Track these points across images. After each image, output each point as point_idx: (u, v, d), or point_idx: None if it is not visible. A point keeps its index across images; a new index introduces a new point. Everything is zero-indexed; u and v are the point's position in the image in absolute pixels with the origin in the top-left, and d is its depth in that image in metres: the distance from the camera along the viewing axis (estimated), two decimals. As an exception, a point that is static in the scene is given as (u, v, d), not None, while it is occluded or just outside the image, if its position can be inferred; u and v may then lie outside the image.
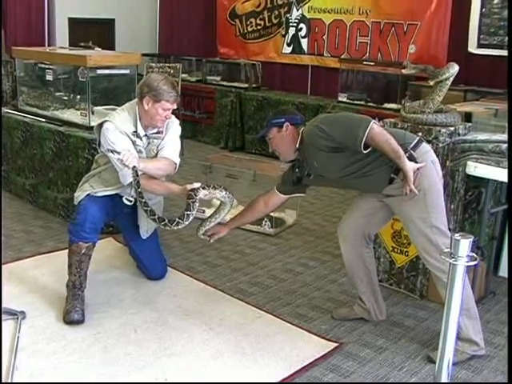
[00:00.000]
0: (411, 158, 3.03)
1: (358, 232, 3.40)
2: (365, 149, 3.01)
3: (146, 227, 3.85)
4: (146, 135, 3.62)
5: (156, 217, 3.34)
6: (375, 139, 2.99)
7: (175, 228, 3.35)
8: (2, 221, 4.68)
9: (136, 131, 3.58)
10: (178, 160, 3.67)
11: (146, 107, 3.51)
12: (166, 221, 3.33)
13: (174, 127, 3.73)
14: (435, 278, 3.18)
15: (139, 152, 3.59)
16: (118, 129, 3.52)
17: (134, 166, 3.28)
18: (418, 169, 3.02)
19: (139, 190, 3.32)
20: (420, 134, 3.48)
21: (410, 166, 2.99)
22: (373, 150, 3.05)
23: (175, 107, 3.58)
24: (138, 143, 3.59)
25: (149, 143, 3.64)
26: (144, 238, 3.87)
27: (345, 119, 3.20)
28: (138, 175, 3.31)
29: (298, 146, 3.29)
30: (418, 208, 3.08)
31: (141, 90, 3.54)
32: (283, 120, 3.34)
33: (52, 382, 2.88)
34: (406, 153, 3.02)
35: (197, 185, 3.42)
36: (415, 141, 3.13)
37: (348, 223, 3.44)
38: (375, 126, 2.99)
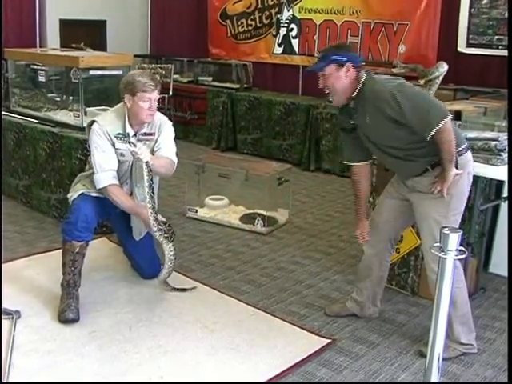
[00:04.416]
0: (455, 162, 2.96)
1: (385, 237, 3.37)
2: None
3: (139, 229, 3.87)
4: (135, 135, 3.62)
5: (157, 216, 3.49)
6: (442, 135, 2.86)
7: (157, 238, 3.57)
8: (2, 221, 4.72)
9: (122, 133, 3.59)
10: (176, 159, 3.69)
11: (128, 105, 3.54)
12: (162, 232, 3.56)
13: (167, 127, 3.73)
14: (429, 280, 3.17)
15: (121, 155, 3.62)
16: (101, 130, 3.57)
17: (147, 162, 3.34)
18: (456, 174, 2.95)
19: (152, 184, 3.41)
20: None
21: (453, 171, 2.91)
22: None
23: (156, 96, 3.55)
24: (118, 146, 3.59)
25: None
26: (137, 239, 3.89)
27: (423, 101, 2.93)
28: (151, 170, 3.37)
29: (355, 94, 3.06)
30: (439, 210, 3.01)
31: (120, 90, 3.57)
32: (345, 59, 3.01)
33: (52, 382, 2.90)
34: None
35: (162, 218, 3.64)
36: (464, 146, 3.04)
37: (375, 229, 3.39)
38: (449, 122, 2.86)
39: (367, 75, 3.06)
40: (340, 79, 3.02)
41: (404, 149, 3.04)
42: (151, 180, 3.39)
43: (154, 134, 3.67)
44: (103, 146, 3.57)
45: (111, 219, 4.04)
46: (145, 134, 3.65)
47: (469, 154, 3.09)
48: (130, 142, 3.45)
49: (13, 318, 3.39)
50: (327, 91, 3.10)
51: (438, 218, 3.02)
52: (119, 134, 3.59)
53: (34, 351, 3.12)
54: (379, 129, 3.05)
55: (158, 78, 3.69)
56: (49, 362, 3.04)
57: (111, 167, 3.58)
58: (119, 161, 3.63)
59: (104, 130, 3.57)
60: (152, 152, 3.65)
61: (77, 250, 3.51)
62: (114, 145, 3.58)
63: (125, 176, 3.72)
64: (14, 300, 3.57)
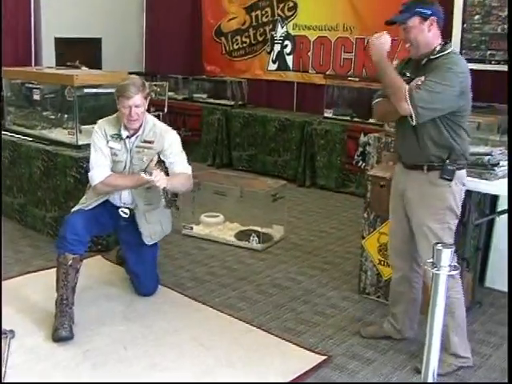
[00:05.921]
0: (450, 171, 2.98)
1: (407, 258, 3.31)
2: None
3: (149, 232, 3.87)
4: (128, 137, 3.71)
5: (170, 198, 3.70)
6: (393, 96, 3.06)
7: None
8: (2, 236, 4.71)
9: (117, 133, 3.72)
10: (190, 171, 3.82)
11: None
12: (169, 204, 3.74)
13: (171, 138, 3.77)
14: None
15: (114, 155, 3.73)
16: (100, 129, 3.74)
17: (165, 187, 3.50)
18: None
19: (168, 195, 3.66)
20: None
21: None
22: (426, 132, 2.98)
23: (137, 103, 3.58)
24: (112, 145, 3.72)
25: (138, 152, 3.71)
26: (148, 244, 3.88)
27: (441, 83, 2.91)
28: (167, 193, 3.63)
29: (433, 57, 3.01)
30: (435, 218, 3.02)
31: None
32: (430, 12, 2.98)
33: (52, 382, 2.91)
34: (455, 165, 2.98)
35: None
36: (463, 162, 3.07)
37: (395, 253, 3.38)
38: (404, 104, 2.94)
39: (454, 50, 3.04)
40: (423, 32, 3.00)
41: (421, 131, 3.00)
42: (166, 193, 3.62)
43: (153, 142, 3.72)
44: (99, 144, 3.73)
45: (116, 230, 4.04)
46: (145, 141, 3.72)
47: (463, 172, 3.10)
48: (145, 171, 3.53)
49: (7, 337, 3.36)
50: (408, 45, 3.11)
51: (431, 226, 3.03)
52: (115, 134, 3.73)
53: (29, 371, 3.11)
54: None
55: (147, 85, 3.71)
56: (43, 381, 3.02)
57: (105, 163, 3.71)
58: (113, 161, 3.75)
59: (103, 129, 3.75)
60: (148, 160, 3.70)
61: (69, 262, 3.52)
62: (107, 142, 3.72)
63: None
64: (9, 319, 3.54)
